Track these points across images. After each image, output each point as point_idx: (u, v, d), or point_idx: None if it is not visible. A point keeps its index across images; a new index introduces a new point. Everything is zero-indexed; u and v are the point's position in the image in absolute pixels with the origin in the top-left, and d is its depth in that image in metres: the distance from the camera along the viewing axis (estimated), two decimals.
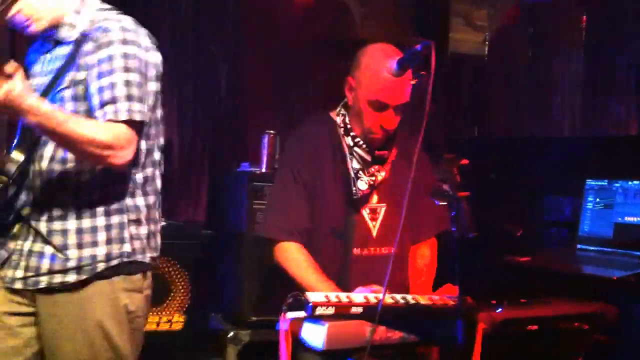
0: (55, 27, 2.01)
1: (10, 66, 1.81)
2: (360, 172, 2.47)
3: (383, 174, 2.49)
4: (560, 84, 4.77)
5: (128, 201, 2.02)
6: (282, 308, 2.01)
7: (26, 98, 1.79)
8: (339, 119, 2.52)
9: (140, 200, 2.04)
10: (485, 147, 4.38)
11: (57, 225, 1.97)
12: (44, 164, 1.98)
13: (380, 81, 2.36)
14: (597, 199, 3.27)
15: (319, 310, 1.94)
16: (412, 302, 2.06)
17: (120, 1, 3.99)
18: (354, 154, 2.47)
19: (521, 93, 4.98)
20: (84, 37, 1.96)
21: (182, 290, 3.43)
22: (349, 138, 2.48)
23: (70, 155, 1.96)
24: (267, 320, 3.23)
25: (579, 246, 3.30)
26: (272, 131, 3.77)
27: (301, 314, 1.97)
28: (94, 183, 1.98)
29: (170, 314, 3.39)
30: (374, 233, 2.50)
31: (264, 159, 3.71)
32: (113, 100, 1.89)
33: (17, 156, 1.98)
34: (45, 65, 2.05)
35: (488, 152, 4.16)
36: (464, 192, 1.86)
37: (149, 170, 2.07)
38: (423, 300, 2.09)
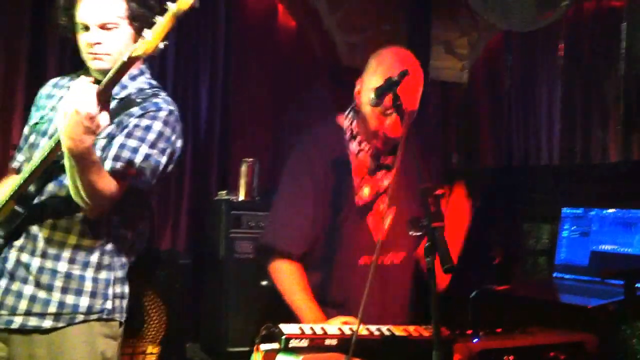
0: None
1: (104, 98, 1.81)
2: (364, 179, 2.39)
3: (388, 179, 2.38)
4: (540, 112, 4.81)
5: (117, 260, 2.05)
6: (254, 340, 1.98)
7: (97, 132, 1.80)
8: (346, 123, 2.43)
9: (124, 259, 2.09)
10: (464, 176, 4.39)
11: (48, 263, 1.97)
12: (56, 201, 1.99)
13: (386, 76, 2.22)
14: (573, 227, 3.27)
15: (293, 343, 1.91)
16: (387, 333, 2.04)
17: None
18: (359, 159, 2.39)
19: (501, 121, 5.02)
20: (130, 101, 2.03)
21: (156, 321, 3.39)
22: (355, 143, 2.39)
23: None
24: (244, 352, 3.19)
25: (555, 274, 3.31)
26: (250, 159, 3.77)
27: (275, 346, 1.95)
28: (97, 234, 2.00)
29: (144, 345, 3.34)
30: (382, 238, 2.33)
31: (242, 187, 3.70)
32: (129, 162, 1.96)
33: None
34: None
35: (466, 181, 4.17)
36: (438, 222, 1.85)
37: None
38: (398, 331, 2.06)
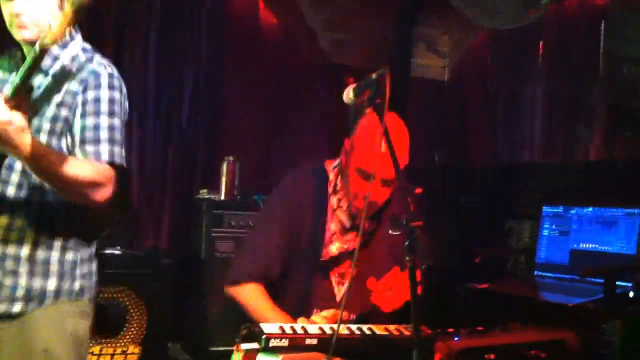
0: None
1: (18, 98, 1.77)
2: (335, 235, 2.39)
3: (355, 243, 2.33)
4: (521, 110, 4.82)
5: (79, 240, 2.03)
6: (235, 339, 1.98)
7: (23, 134, 1.76)
8: (331, 176, 2.43)
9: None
10: (445, 174, 4.40)
11: (11, 249, 1.94)
12: (10, 190, 1.96)
13: (371, 150, 2.24)
14: (553, 226, 3.29)
15: (273, 342, 1.90)
16: (368, 332, 2.04)
17: (91, 19, 4.04)
18: (335, 215, 2.39)
19: (486, 118, 5.03)
20: (67, 74, 1.99)
21: (137, 321, 3.37)
22: (335, 199, 2.39)
23: (38, 184, 1.95)
24: (226, 351, 3.17)
25: (536, 272, 3.32)
26: (231, 157, 3.74)
27: (255, 345, 1.94)
28: (57, 216, 1.98)
29: (125, 345, 3.31)
30: (337, 297, 2.40)
31: (223, 185, 3.68)
32: (96, 142, 1.94)
33: None
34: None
35: (447, 179, 4.18)
36: (417, 221, 1.84)
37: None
38: (379, 330, 2.06)
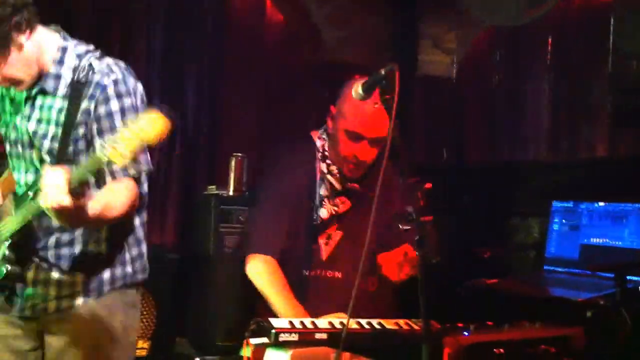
0: (37, 79, 2.01)
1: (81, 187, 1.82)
2: (326, 199, 2.50)
3: (347, 205, 2.52)
4: (529, 107, 4.80)
5: (128, 223, 2.10)
6: (245, 334, 1.98)
7: (81, 213, 1.81)
8: (318, 143, 2.55)
9: (137, 221, 2.13)
10: (454, 171, 4.40)
11: (65, 250, 2.03)
12: None
13: (359, 112, 2.38)
14: (563, 221, 3.28)
15: (283, 337, 1.91)
16: (378, 327, 2.04)
17: (97, 21, 4.03)
18: (325, 180, 2.50)
19: (490, 116, 5.02)
20: (77, 91, 1.99)
21: (146, 316, 3.38)
22: (324, 164, 2.51)
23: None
24: (233, 346, 3.18)
25: (545, 268, 3.31)
26: (239, 154, 3.74)
27: (265, 340, 1.94)
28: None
29: None
30: (324, 256, 2.53)
31: (231, 182, 3.68)
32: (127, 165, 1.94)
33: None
34: (29, 111, 2.04)
35: (456, 176, 4.18)
36: (427, 216, 1.84)
37: (142, 192, 2.12)
38: (388, 325, 2.06)
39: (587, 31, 4.40)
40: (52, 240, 2.03)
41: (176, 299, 3.61)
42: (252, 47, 4.77)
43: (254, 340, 1.97)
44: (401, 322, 2.10)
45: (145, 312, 3.38)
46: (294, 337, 1.92)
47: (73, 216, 1.80)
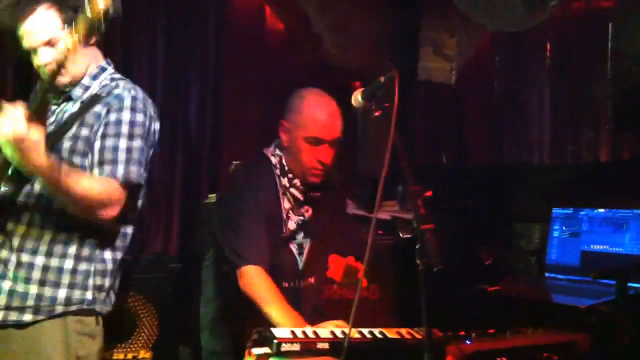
0: (71, 84, 2.10)
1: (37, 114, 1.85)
2: (291, 211, 2.58)
3: (309, 212, 2.62)
4: (530, 110, 4.81)
5: (98, 252, 2.06)
6: (246, 344, 1.98)
7: (38, 148, 1.81)
8: (274, 160, 2.62)
9: (108, 254, 2.09)
10: (454, 176, 4.39)
11: (25, 257, 1.98)
12: (29, 200, 2.01)
13: (315, 118, 2.52)
14: (564, 227, 3.28)
15: (285, 347, 1.91)
16: (380, 336, 2.03)
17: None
18: (287, 194, 2.58)
19: (491, 119, 5.02)
20: (94, 99, 2.06)
21: (148, 326, 3.37)
22: (285, 179, 2.58)
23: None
24: (235, 355, 3.17)
25: (547, 274, 3.31)
26: (238, 162, 3.74)
27: (267, 350, 1.94)
28: (74, 227, 2.01)
29: (136, 350, 3.32)
30: (301, 266, 2.61)
31: None
32: (113, 162, 1.99)
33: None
34: (51, 118, 2.10)
35: (456, 181, 4.18)
36: (428, 224, 1.84)
37: (128, 228, 2.13)
38: (390, 334, 2.06)
39: (586, 34, 4.42)
40: (15, 242, 2.00)
41: (179, 308, 3.61)
42: (253, 54, 4.78)
43: (255, 350, 1.96)
44: (403, 331, 2.10)
45: (146, 322, 3.37)
46: (296, 347, 1.91)
47: (30, 151, 1.78)
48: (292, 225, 2.58)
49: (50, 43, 2.02)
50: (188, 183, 4.38)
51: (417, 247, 1.82)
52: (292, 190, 2.58)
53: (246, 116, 4.69)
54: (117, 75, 2.17)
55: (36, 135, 1.79)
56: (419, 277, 1.83)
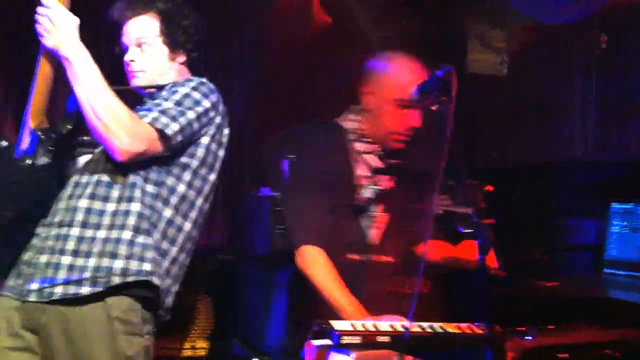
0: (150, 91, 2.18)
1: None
2: (366, 179, 2.46)
3: (389, 183, 2.48)
4: (580, 105, 4.73)
5: (154, 228, 2.05)
6: (307, 336, 1.99)
7: (65, 25, 1.94)
8: (349, 125, 2.51)
9: (157, 235, 2.06)
10: (506, 171, 4.34)
11: (89, 232, 1.99)
12: (93, 174, 2.05)
13: (406, 80, 2.37)
14: (624, 223, 3.23)
15: (345, 339, 1.92)
16: (440, 330, 2.04)
17: None
18: (363, 160, 2.47)
19: (541, 115, 4.95)
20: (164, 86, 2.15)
21: (204, 316, 3.43)
22: (361, 144, 2.47)
23: (112, 170, 2.02)
24: (289, 347, 3.20)
25: (605, 270, 3.26)
26: (293, 156, 3.76)
27: (327, 342, 1.95)
28: (133, 196, 2.02)
29: (193, 340, 3.38)
30: (372, 240, 2.49)
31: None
32: (148, 110, 2.02)
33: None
34: None
35: (509, 177, 4.12)
36: (488, 219, 1.84)
37: (177, 219, 2.11)
38: (450, 328, 2.06)
39: (635, 23, 4.31)
40: (78, 217, 2.00)
41: (233, 299, 3.66)
42: (297, 46, 4.78)
43: (316, 342, 1.98)
44: (463, 325, 2.09)
45: (203, 312, 3.43)
46: (357, 340, 1.93)
47: (69, 31, 1.93)
48: (366, 193, 2.46)
49: (140, 45, 2.18)
50: (232, 176, 4.42)
51: (478, 242, 1.83)
52: (367, 156, 2.47)
53: (288, 109, 4.71)
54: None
55: (67, 15, 1.94)
56: (480, 272, 1.83)
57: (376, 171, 2.47)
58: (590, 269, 3.44)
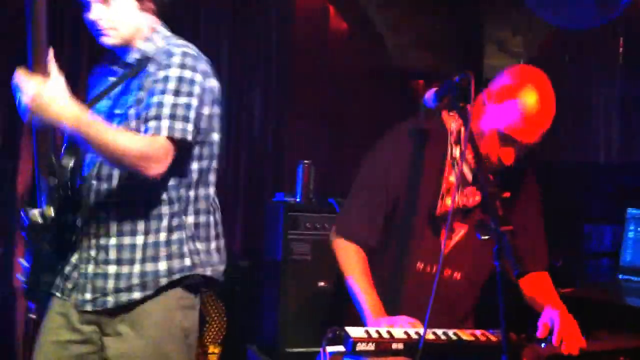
0: (124, 49, 2.12)
1: (50, 67, 1.88)
2: (454, 188, 2.23)
3: (477, 198, 2.25)
4: (599, 110, 4.70)
5: (184, 219, 2.11)
6: (321, 342, 1.99)
7: (56, 100, 1.83)
8: (454, 125, 2.27)
9: (191, 218, 2.13)
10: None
11: (127, 239, 2.05)
12: (113, 184, 2.07)
13: (524, 118, 2.16)
14: (639, 228, 3.20)
15: (360, 346, 1.91)
16: (454, 338, 2.02)
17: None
18: (456, 167, 2.24)
19: (559, 119, 4.92)
20: (147, 60, 2.08)
21: (217, 321, 3.44)
22: (458, 149, 2.24)
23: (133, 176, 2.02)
24: (302, 353, 3.21)
25: (621, 276, 3.23)
26: (307, 161, 3.78)
27: (341, 349, 1.95)
28: (159, 199, 2.07)
29: (205, 345, 3.39)
30: (444, 252, 2.17)
31: (299, 189, 3.72)
32: (157, 117, 1.99)
33: (67, 162, 2.07)
34: (111, 88, 2.14)
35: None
36: (507, 226, 1.82)
37: (201, 191, 2.15)
38: (465, 335, 2.04)
39: None
40: (113, 228, 2.06)
41: (246, 305, 3.66)
42: (316, 54, 4.81)
43: (330, 349, 1.97)
44: (478, 332, 2.08)
45: (215, 317, 3.44)
46: (371, 347, 1.91)
47: (49, 105, 1.80)
48: (449, 202, 2.21)
49: (104, 1, 2.05)
50: (252, 182, 4.44)
51: (495, 249, 1.81)
52: (461, 164, 2.22)
53: (309, 117, 4.72)
54: (169, 33, 2.17)
55: (50, 88, 1.82)
56: (497, 279, 1.81)
57: (466, 182, 2.25)
58: (606, 275, 3.42)
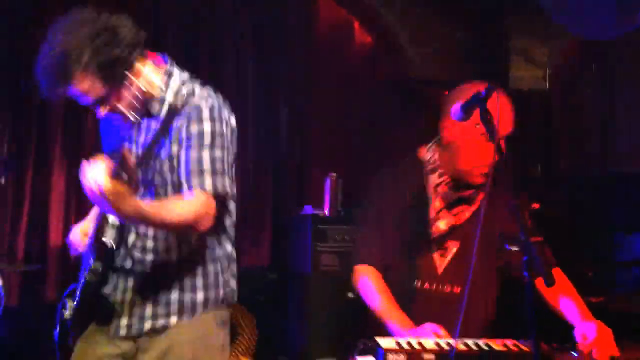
0: (144, 104, 2.14)
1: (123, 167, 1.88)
2: (442, 211, 2.44)
3: (467, 214, 2.44)
4: (626, 119, 4.67)
5: (218, 251, 2.20)
6: (353, 353, 2.01)
7: (124, 201, 1.84)
8: (427, 156, 2.50)
9: (223, 251, 2.22)
10: (550, 186, 4.31)
11: (162, 271, 2.14)
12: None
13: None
14: None
15: (391, 357, 1.93)
16: (485, 348, 2.03)
17: (187, 48, 4.19)
18: (437, 192, 2.44)
19: (586, 129, 4.89)
20: (173, 112, 2.10)
21: (249, 333, 3.47)
22: (434, 176, 2.45)
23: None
24: None
25: None
26: (334, 174, 3.81)
27: (372, 359, 1.97)
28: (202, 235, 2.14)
29: (237, 356, 3.42)
30: (440, 270, 2.47)
31: (327, 201, 3.75)
32: (199, 174, 2.05)
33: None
34: (136, 135, 2.18)
35: (553, 191, 4.09)
36: (536, 237, 1.84)
37: (227, 222, 2.25)
38: (496, 346, 2.05)
39: None
40: (149, 262, 2.14)
41: (276, 317, 3.69)
42: (340, 68, 4.84)
43: (361, 359, 2.00)
44: (509, 342, 2.09)
45: (248, 330, 3.47)
46: (402, 357, 1.93)
47: (116, 203, 1.79)
48: (442, 226, 2.44)
49: (101, 102, 2.05)
50: (278, 198, 4.47)
51: (525, 259, 1.82)
52: (440, 188, 2.44)
53: (334, 131, 4.75)
54: (185, 76, 2.19)
55: (118, 189, 1.80)
56: (527, 289, 1.83)
57: (451, 203, 2.44)
58: (637, 283, 3.40)
